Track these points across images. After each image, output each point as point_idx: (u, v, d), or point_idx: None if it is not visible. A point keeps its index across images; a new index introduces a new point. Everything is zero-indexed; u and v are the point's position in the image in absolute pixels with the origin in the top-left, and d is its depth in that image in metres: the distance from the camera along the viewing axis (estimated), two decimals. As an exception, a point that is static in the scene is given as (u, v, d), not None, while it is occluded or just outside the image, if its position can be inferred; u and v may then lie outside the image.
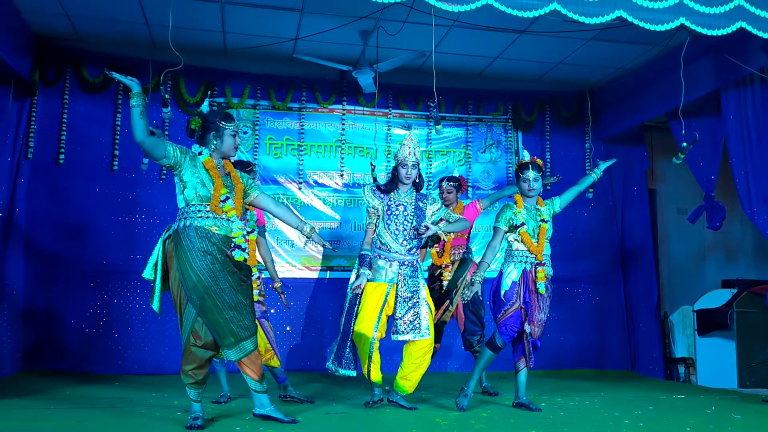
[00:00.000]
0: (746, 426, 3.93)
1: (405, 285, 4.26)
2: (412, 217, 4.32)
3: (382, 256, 4.31)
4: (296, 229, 3.95)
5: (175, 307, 3.58)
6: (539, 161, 4.50)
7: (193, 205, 3.56)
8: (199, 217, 3.53)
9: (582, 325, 7.18)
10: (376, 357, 4.24)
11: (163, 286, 3.61)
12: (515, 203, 4.43)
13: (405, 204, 4.35)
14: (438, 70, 6.55)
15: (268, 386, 3.76)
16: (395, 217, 4.32)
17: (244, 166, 4.61)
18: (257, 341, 3.65)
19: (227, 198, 3.59)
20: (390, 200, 4.37)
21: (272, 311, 5.31)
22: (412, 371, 4.27)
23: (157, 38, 6.14)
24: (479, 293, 4.35)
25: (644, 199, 7.23)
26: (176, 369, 5.60)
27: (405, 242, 4.31)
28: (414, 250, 4.36)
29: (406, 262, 4.31)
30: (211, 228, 3.53)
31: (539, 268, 4.31)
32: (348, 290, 4.36)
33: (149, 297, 3.65)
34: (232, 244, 3.57)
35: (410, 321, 4.21)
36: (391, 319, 4.27)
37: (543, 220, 4.39)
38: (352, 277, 4.38)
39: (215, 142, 3.67)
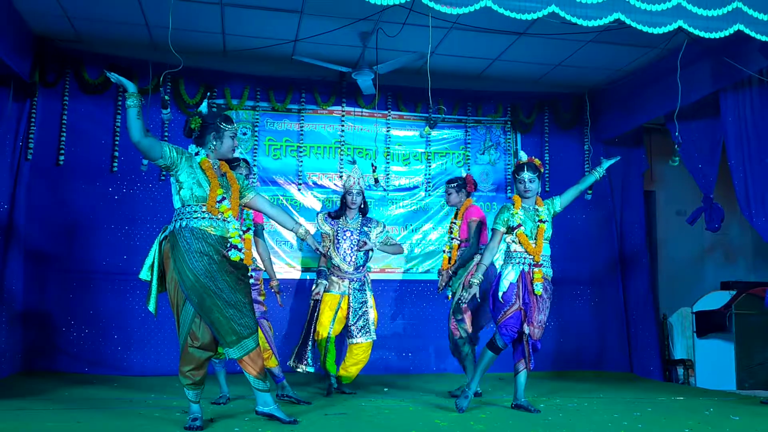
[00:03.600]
0: (744, 427, 3.94)
1: (354, 298, 5.14)
2: (357, 241, 5.15)
3: (335, 274, 5.17)
4: (291, 231, 3.97)
5: (172, 309, 3.58)
6: (537, 161, 4.51)
7: (189, 205, 3.56)
8: (195, 218, 3.54)
9: (581, 326, 7.18)
10: (333, 352, 5.14)
11: (160, 287, 3.62)
12: (513, 204, 4.44)
13: (351, 230, 5.19)
14: (437, 72, 6.60)
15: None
16: (343, 241, 5.15)
17: (231, 161, 4.62)
18: (258, 339, 3.66)
19: (223, 198, 3.60)
20: (339, 226, 5.19)
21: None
22: (352, 365, 5.18)
23: (157, 39, 6.15)
24: (477, 295, 4.37)
25: (640, 201, 7.25)
26: (175, 370, 5.59)
27: (352, 263, 5.15)
28: (361, 268, 5.18)
29: (355, 279, 5.17)
30: (207, 229, 3.53)
31: (536, 269, 4.32)
32: (309, 298, 5.26)
33: (146, 298, 3.66)
34: (229, 245, 3.58)
35: (361, 326, 5.14)
36: (346, 326, 5.18)
37: (541, 221, 4.39)
38: (314, 287, 5.22)
39: (214, 143, 3.68)
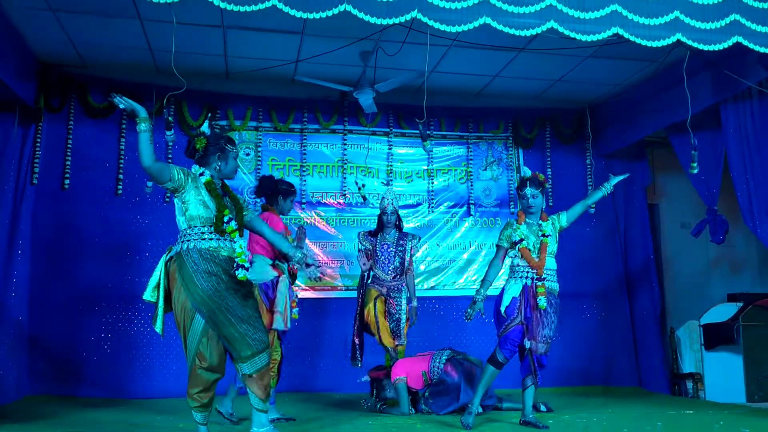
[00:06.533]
0: (755, 440, 3.90)
1: (389, 303, 5.53)
2: (394, 254, 5.59)
3: (376, 283, 5.58)
4: (287, 253, 3.96)
5: (179, 330, 3.57)
6: (541, 177, 4.52)
7: (195, 226, 3.57)
8: (203, 239, 3.54)
9: (588, 341, 7.15)
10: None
11: (166, 307, 3.61)
12: (516, 220, 4.46)
13: (389, 243, 5.62)
14: (438, 89, 6.65)
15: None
16: (382, 254, 5.59)
17: (289, 185, 4.97)
18: (269, 356, 3.66)
19: (231, 219, 3.61)
20: (378, 242, 5.63)
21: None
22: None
23: (160, 63, 6.21)
24: (482, 310, 4.36)
25: (644, 215, 7.25)
26: (181, 392, 5.52)
27: (390, 272, 5.56)
28: (398, 277, 5.59)
29: (393, 287, 5.57)
30: (215, 249, 3.54)
31: (539, 284, 4.32)
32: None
33: (152, 319, 3.65)
34: (235, 264, 3.58)
35: (393, 329, 5.49)
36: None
37: (544, 235, 4.40)
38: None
39: (219, 164, 3.70)
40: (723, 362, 6.58)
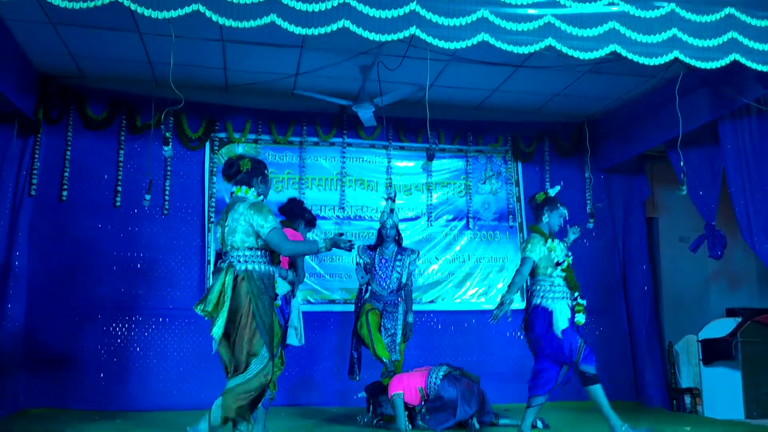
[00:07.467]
0: (753, 459, 3.88)
1: (387, 318, 5.50)
2: (392, 268, 5.55)
3: (374, 297, 5.53)
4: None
5: (235, 341, 3.53)
6: None
7: (259, 249, 3.61)
8: (266, 263, 3.62)
9: (586, 355, 7.11)
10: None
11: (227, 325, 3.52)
12: (540, 236, 4.49)
13: (387, 258, 5.59)
14: (437, 103, 6.65)
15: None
16: (380, 269, 5.55)
17: (313, 218, 5.10)
18: None
19: None
20: (376, 256, 5.60)
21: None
22: None
23: (159, 76, 6.22)
24: (509, 313, 4.37)
25: (642, 229, 7.24)
26: (178, 405, 5.56)
27: (386, 288, 5.51)
28: (394, 292, 5.55)
29: (389, 302, 5.53)
30: (276, 276, 3.70)
31: (576, 302, 4.42)
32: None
33: (210, 327, 3.53)
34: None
35: (388, 344, 5.39)
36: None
37: (567, 255, 4.50)
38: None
39: (262, 187, 3.80)
40: (721, 378, 6.55)
